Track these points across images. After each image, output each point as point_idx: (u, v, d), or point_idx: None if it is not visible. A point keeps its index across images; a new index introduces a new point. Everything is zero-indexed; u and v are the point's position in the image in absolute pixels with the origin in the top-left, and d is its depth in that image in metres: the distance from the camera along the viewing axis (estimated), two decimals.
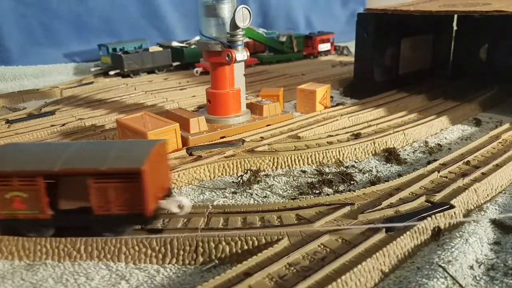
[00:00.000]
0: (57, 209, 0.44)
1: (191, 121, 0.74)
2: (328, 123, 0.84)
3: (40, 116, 0.91)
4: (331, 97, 1.08)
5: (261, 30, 1.70)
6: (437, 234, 0.46)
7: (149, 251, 0.44)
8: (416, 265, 0.42)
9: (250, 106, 0.87)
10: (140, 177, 0.41)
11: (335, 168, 0.67)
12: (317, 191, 0.59)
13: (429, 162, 0.67)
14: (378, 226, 0.46)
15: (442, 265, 0.41)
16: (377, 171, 0.66)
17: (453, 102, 0.98)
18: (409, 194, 0.54)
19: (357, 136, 0.77)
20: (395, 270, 0.42)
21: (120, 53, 1.35)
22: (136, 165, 0.41)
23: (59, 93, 1.17)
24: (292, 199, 0.57)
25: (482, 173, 0.59)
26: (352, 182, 0.62)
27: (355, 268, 0.39)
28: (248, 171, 0.64)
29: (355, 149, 0.71)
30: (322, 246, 0.43)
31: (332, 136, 0.77)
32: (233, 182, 0.63)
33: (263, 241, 0.44)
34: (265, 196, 0.58)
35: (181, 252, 0.44)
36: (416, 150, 0.74)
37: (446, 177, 0.59)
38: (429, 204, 0.51)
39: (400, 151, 0.73)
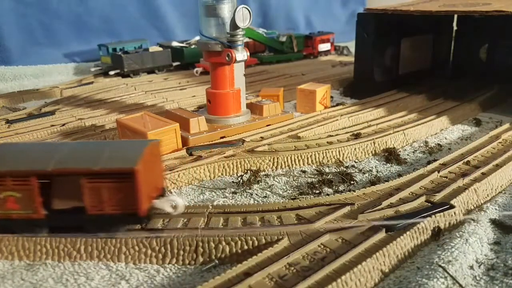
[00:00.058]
0: (50, 209, 0.44)
1: (191, 121, 0.74)
2: (328, 123, 0.84)
3: (40, 116, 0.91)
4: (331, 97, 1.08)
5: (261, 30, 1.70)
6: (437, 234, 0.46)
7: (149, 251, 0.44)
8: (416, 265, 0.42)
9: (250, 106, 0.87)
10: (133, 177, 0.41)
11: (335, 168, 0.67)
12: (317, 191, 0.59)
13: (429, 162, 0.67)
14: (378, 226, 0.46)
15: (442, 265, 0.41)
16: (377, 171, 0.66)
17: (453, 102, 0.98)
18: (409, 194, 0.54)
19: (357, 136, 0.77)
20: (395, 270, 0.42)
21: (120, 53, 1.35)
22: (130, 165, 0.41)
23: (59, 93, 1.17)
24: (292, 199, 0.57)
25: (482, 173, 0.59)
26: (352, 182, 0.62)
27: (355, 268, 0.39)
28: (248, 171, 0.64)
29: (355, 149, 0.71)
30: (322, 246, 0.43)
31: (332, 136, 0.77)
32: (233, 182, 0.63)
33: (263, 241, 0.44)
34: (265, 196, 0.58)
35: (181, 252, 0.44)
36: (416, 150, 0.74)
37: (446, 177, 0.59)
38: (429, 204, 0.51)
39: (400, 151, 0.73)
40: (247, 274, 0.39)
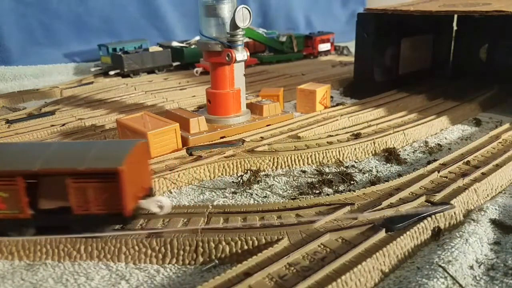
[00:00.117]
0: (37, 209, 0.44)
1: (191, 121, 0.74)
2: (328, 123, 0.84)
3: (40, 116, 0.91)
4: (331, 97, 1.08)
5: (261, 30, 1.70)
6: (437, 234, 0.46)
7: (149, 251, 0.44)
8: (416, 265, 0.42)
9: (250, 106, 0.87)
10: (118, 177, 0.41)
11: (335, 168, 0.67)
12: (317, 191, 0.59)
13: (429, 162, 0.67)
14: (378, 226, 0.46)
15: (442, 265, 0.41)
16: (377, 171, 0.66)
17: (453, 102, 0.98)
18: (409, 194, 0.54)
19: (357, 136, 0.77)
20: (395, 270, 0.42)
21: (120, 53, 1.35)
22: (114, 165, 0.41)
23: (59, 93, 1.17)
24: (292, 199, 0.57)
25: (482, 173, 0.59)
26: (352, 182, 0.62)
27: (355, 268, 0.39)
28: (248, 171, 0.64)
29: (355, 149, 0.71)
30: (322, 246, 0.43)
31: (332, 136, 0.77)
32: (233, 182, 0.63)
33: (263, 241, 0.44)
34: (265, 196, 0.58)
35: (181, 252, 0.44)
36: (416, 150, 0.74)
37: (446, 177, 0.59)
38: (429, 204, 0.51)
39: (400, 151, 0.73)
40: (247, 274, 0.39)
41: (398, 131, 0.78)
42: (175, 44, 1.58)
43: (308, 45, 1.75)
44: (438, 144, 0.76)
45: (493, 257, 0.43)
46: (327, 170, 0.66)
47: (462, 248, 0.43)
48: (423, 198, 0.52)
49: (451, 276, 0.39)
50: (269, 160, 0.67)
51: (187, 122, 0.74)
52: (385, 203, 0.51)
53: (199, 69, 1.37)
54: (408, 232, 0.45)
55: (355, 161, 0.70)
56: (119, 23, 1.70)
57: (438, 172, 0.60)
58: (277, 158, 0.67)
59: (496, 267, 0.42)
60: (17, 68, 1.46)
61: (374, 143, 0.73)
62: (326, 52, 1.82)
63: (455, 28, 1.25)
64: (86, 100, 1.07)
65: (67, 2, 1.58)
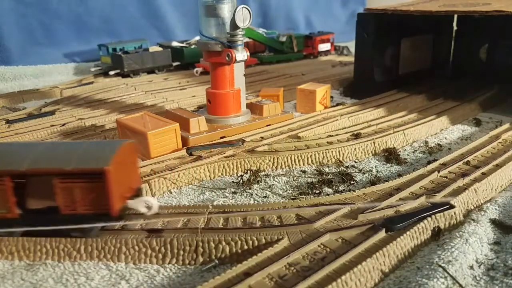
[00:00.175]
0: (25, 209, 0.44)
1: (191, 121, 0.74)
2: (328, 123, 0.84)
3: (40, 116, 0.91)
4: (331, 97, 1.08)
5: (261, 30, 1.70)
6: (437, 234, 0.46)
7: (149, 251, 0.44)
8: (416, 265, 0.42)
9: (250, 106, 0.87)
10: (105, 177, 0.41)
11: (335, 168, 0.67)
12: (317, 191, 0.59)
13: (429, 162, 0.67)
14: (378, 226, 0.46)
15: (442, 265, 0.41)
16: (377, 171, 0.66)
17: (453, 102, 0.98)
18: (409, 194, 0.54)
19: (357, 136, 0.77)
20: (395, 270, 0.42)
21: (120, 53, 1.35)
22: (101, 165, 0.41)
23: (59, 93, 1.17)
24: (292, 199, 0.57)
25: (482, 173, 0.59)
26: (352, 182, 0.62)
27: (355, 268, 0.39)
28: (248, 171, 0.64)
29: (355, 149, 0.71)
30: (322, 246, 0.43)
31: (332, 136, 0.77)
32: (233, 182, 0.63)
33: (263, 241, 0.44)
34: (265, 196, 0.58)
35: (181, 252, 0.44)
36: (416, 150, 0.74)
37: (446, 177, 0.59)
38: (429, 204, 0.51)
39: (400, 151, 0.73)
40: (247, 274, 0.39)
41: (398, 131, 0.78)
42: (175, 44, 1.58)
43: (308, 45, 1.75)
44: (438, 144, 0.76)
45: (493, 257, 0.43)
46: (327, 170, 0.66)
47: (462, 248, 0.43)
48: (423, 198, 0.52)
49: (451, 276, 0.39)
50: (269, 160, 0.67)
51: (187, 122, 0.74)
52: (385, 203, 0.51)
53: (199, 69, 1.37)
54: (408, 232, 0.45)
55: (355, 161, 0.70)
56: (119, 23, 1.70)
57: (438, 172, 0.60)
58: (277, 158, 0.67)
59: (496, 267, 0.42)
60: (17, 68, 1.46)
61: (374, 143, 0.73)
62: (326, 52, 1.82)
63: (455, 28, 1.25)
64: (86, 100, 1.07)
65: (67, 2, 1.58)
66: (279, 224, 0.47)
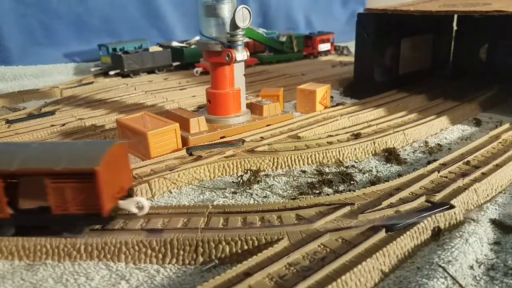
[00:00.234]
0: (17, 209, 0.44)
1: (191, 121, 0.74)
2: (328, 123, 0.84)
3: (40, 116, 0.91)
4: (331, 97, 1.08)
5: (261, 30, 1.70)
6: (437, 234, 0.46)
7: (149, 251, 0.44)
8: (416, 265, 0.42)
9: (250, 106, 0.87)
10: (95, 178, 0.41)
11: (335, 168, 0.67)
12: (317, 191, 0.59)
13: (429, 162, 0.67)
14: (378, 226, 0.46)
15: (442, 265, 0.41)
16: (377, 171, 0.66)
17: (453, 102, 0.98)
18: (409, 194, 0.54)
19: (357, 136, 0.77)
20: (395, 270, 0.42)
21: (120, 53, 1.35)
22: (91, 165, 0.42)
23: (59, 93, 1.17)
24: (292, 199, 0.57)
25: (482, 173, 0.59)
26: (352, 182, 0.62)
27: (355, 268, 0.39)
28: (248, 171, 0.64)
29: (355, 149, 0.71)
30: (322, 246, 0.43)
31: (332, 136, 0.77)
32: (233, 182, 0.63)
33: (263, 241, 0.44)
34: (265, 196, 0.58)
35: (181, 252, 0.44)
36: (416, 150, 0.74)
37: (446, 177, 0.59)
38: (429, 204, 0.51)
39: (400, 151, 0.73)
40: (247, 274, 0.39)
41: (398, 131, 0.78)
42: (175, 44, 1.58)
43: (308, 45, 1.75)
44: (438, 144, 0.76)
45: (493, 257, 0.43)
46: (327, 170, 0.66)
47: (462, 248, 0.43)
48: (423, 198, 0.52)
49: (451, 276, 0.39)
50: (269, 160, 0.67)
51: (187, 122, 0.74)
52: (385, 203, 0.51)
53: (199, 69, 1.37)
54: (408, 232, 0.45)
55: (355, 161, 0.70)
56: (119, 23, 1.70)
57: (438, 172, 0.60)
58: (277, 158, 0.67)
59: (496, 267, 0.42)
60: (17, 68, 1.46)
61: (374, 143, 0.73)
62: (326, 52, 1.82)
63: (455, 28, 1.25)
64: (86, 100, 1.07)
65: (67, 2, 1.58)
66: (279, 224, 0.47)
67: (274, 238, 0.44)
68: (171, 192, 0.60)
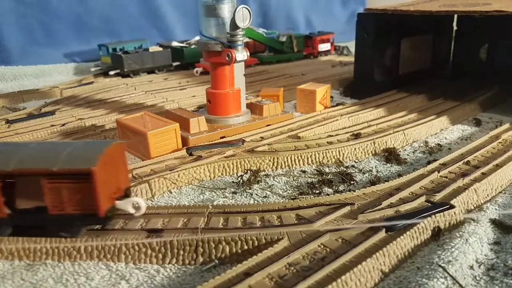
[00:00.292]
0: (14, 208, 0.44)
1: (191, 121, 0.74)
2: (328, 123, 0.84)
3: (40, 116, 0.91)
4: (331, 97, 1.08)
5: (261, 30, 1.70)
6: (437, 234, 0.46)
7: (149, 251, 0.44)
8: (416, 265, 0.42)
9: (250, 106, 0.87)
10: (91, 178, 0.41)
11: (335, 168, 0.67)
12: (317, 191, 0.59)
13: (429, 162, 0.67)
14: (378, 226, 0.46)
15: (442, 265, 0.41)
16: (377, 171, 0.66)
17: (453, 102, 0.98)
18: (409, 194, 0.54)
19: (357, 136, 0.77)
20: (395, 270, 0.42)
21: (120, 53, 1.35)
22: (88, 166, 0.42)
23: (59, 93, 1.18)
24: (292, 199, 0.57)
25: (482, 173, 0.59)
26: (352, 182, 0.62)
27: (355, 268, 0.39)
28: (248, 171, 0.64)
29: (355, 149, 0.71)
30: (322, 246, 0.43)
31: (332, 136, 0.77)
32: (233, 182, 0.63)
33: (263, 241, 0.44)
34: (265, 196, 0.58)
35: (181, 252, 0.44)
36: (416, 150, 0.74)
37: (446, 177, 0.59)
38: (429, 204, 0.51)
39: (400, 151, 0.73)
40: (247, 274, 0.39)
41: (398, 131, 0.78)
42: (175, 44, 1.58)
43: (308, 45, 1.75)
44: (438, 144, 0.76)
45: (493, 257, 0.43)
46: (327, 170, 0.66)
47: (462, 248, 0.43)
48: (423, 198, 0.52)
49: (451, 276, 0.39)
50: (269, 160, 0.67)
51: (187, 122, 0.74)
52: (385, 203, 0.51)
53: (199, 69, 1.37)
54: (408, 232, 0.45)
55: (355, 161, 0.70)
56: (119, 23, 1.70)
57: (438, 172, 0.60)
58: (277, 158, 0.67)
59: (496, 267, 0.42)
60: (17, 68, 1.46)
61: (374, 143, 0.73)
62: (326, 52, 1.82)
63: (455, 28, 1.25)
64: (86, 100, 1.07)
65: (67, 2, 1.58)
66: (279, 224, 0.47)
67: (274, 238, 0.44)
68: (171, 192, 0.60)
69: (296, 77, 1.34)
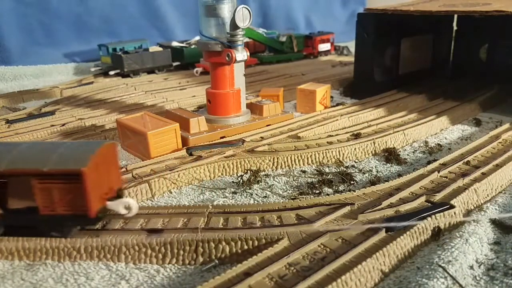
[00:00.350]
0: (6, 208, 0.44)
1: (191, 121, 0.74)
2: (328, 123, 0.84)
3: (40, 116, 0.91)
4: (331, 97, 1.08)
5: (261, 30, 1.70)
6: (437, 234, 0.46)
7: (149, 251, 0.44)
8: (416, 265, 0.42)
9: (250, 106, 0.87)
10: (81, 178, 0.41)
11: (335, 168, 0.67)
12: (317, 191, 0.59)
13: (429, 162, 0.67)
14: (378, 226, 0.46)
15: (442, 265, 0.41)
16: (377, 171, 0.66)
17: (453, 102, 0.98)
18: (409, 194, 0.54)
19: (357, 136, 0.77)
20: (395, 270, 0.42)
21: (120, 53, 1.35)
22: (78, 166, 0.41)
23: (59, 93, 1.17)
24: (292, 199, 0.57)
25: (482, 173, 0.59)
26: (352, 182, 0.62)
27: (355, 268, 0.39)
28: (248, 171, 0.64)
29: (355, 149, 0.71)
30: (322, 246, 0.43)
31: (332, 136, 0.77)
32: (233, 182, 0.63)
33: (263, 241, 0.44)
34: (265, 196, 0.58)
35: (181, 252, 0.44)
36: (416, 150, 0.74)
37: (446, 177, 0.59)
38: (429, 204, 0.51)
39: (400, 151, 0.73)
40: (247, 274, 0.39)
41: (398, 131, 0.78)
42: (175, 44, 1.58)
43: (308, 45, 1.75)
44: (438, 144, 0.76)
45: (493, 257, 0.43)
46: (327, 170, 0.66)
47: (462, 248, 0.43)
48: (423, 198, 0.52)
49: (451, 276, 0.39)
50: (269, 160, 0.67)
51: (187, 122, 0.74)
52: (385, 203, 0.51)
53: (199, 69, 1.37)
54: (408, 232, 0.45)
55: (355, 161, 0.70)
56: (119, 23, 1.70)
57: (438, 172, 0.60)
58: (277, 158, 0.67)
59: (496, 267, 0.42)
60: (17, 68, 1.46)
61: (374, 143, 0.73)
62: (326, 52, 1.82)
63: (455, 28, 1.25)
64: (86, 100, 1.07)
65: (67, 2, 1.58)
66: (279, 224, 0.47)
67: (274, 238, 0.44)
68: (171, 192, 0.60)
69: (296, 77, 1.34)
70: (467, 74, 1.22)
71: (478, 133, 0.83)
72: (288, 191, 0.60)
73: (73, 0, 1.60)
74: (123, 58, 1.31)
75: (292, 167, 0.68)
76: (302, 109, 0.98)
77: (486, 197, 0.55)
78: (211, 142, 0.74)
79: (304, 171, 0.66)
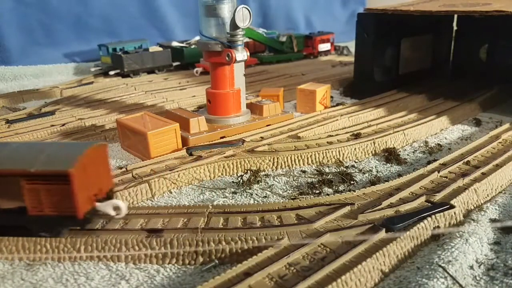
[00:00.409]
0: None
1: (191, 121, 0.74)
2: (328, 123, 0.84)
3: (40, 116, 0.91)
4: (331, 97, 1.08)
5: (261, 30, 1.70)
6: (437, 234, 0.46)
7: (149, 251, 0.44)
8: (416, 265, 0.42)
9: (250, 106, 0.87)
10: (69, 179, 0.41)
11: (335, 168, 0.67)
12: (317, 191, 0.59)
13: (429, 162, 0.67)
14: (378, 226, 0.46)
15: (442, 265, 0.41)
16: (377, 171, 0.66)
17: (453, 102, 0.98)
18: (409, 194, 0.54)
19: (357, 136, 0.77)
20: (395, 270, 0.42)
21: (120, 53, 1.35)
22: (65, 168, 0.41)
23: (59, 93, 1.17)
24: (292, 199, 0.57)
25: (482, 173, 0.59)
26: (352, 182, 0.62)
27: (355, 268, 0.39)
28: (248, 171, 0.64)
29: (355, 149, 0.71)
30: (322, 246, 0.43)
31: (332, 136, 0.77)
32: (233, 182, 0.63)
33: (263, 241, 0.44)
34: (265, 196, 0.58)
35: (181, 252, 0.44)
36: (416, 150, 0.74)
37: (446, 177, 0.59)
38: (429, 204, 0.51)
39: (400, 151, 0.73)
40: (247, 274, 0.39)
41: (398, 131, 0.78)
42: (175, 44, 1.58)
43: (308, 45, 1.75)
44: (438, 144, 0.76)
45: (493, 257, 0.43)
46: (327, 170, 0.66)
47: (462, 248, 0.43)
48: (423, 198, 0.52)
49: (451, 276, 0.39)
50: (269, 160, 0.67)
51: (187, 122, 0.74)
52: (385, 203, 0.51)
53: (199, 69, 1.37)
54: (408, 232, 0.45)
55: (355, 161, 0.70)
56: (119, 23, 1.70)
57: (438, 172, 0.60)
58: (277, 158, 0.67)
59: (496, 267, 0.42)
60: (17, 68, 1.46)
61: (374, 143, 0.73)
62: (326, 52, 1.82)
63: (455, 28, 1.25)
64: (86, 100, 1.07)
65: (67, 2, 1.58)
66: (279, 224, 0.47)
67: (274, 238, 0.44)
68: (171, 192, 0.60)
69: (296, 77, 1.34)
70: (467, 74, 1.22)
71: (478, 133, 0.83)
72: (288, 191, 0.60)
73: (73, 0, 1.60)
74: (123, 58, 1.31)
75: (292, 167, 0.68)
76: (302, 109, 0.98)
77: (486, 197, 0.55)
78: (211, 142, 0.74)
79: (304, 171, 0.66)
